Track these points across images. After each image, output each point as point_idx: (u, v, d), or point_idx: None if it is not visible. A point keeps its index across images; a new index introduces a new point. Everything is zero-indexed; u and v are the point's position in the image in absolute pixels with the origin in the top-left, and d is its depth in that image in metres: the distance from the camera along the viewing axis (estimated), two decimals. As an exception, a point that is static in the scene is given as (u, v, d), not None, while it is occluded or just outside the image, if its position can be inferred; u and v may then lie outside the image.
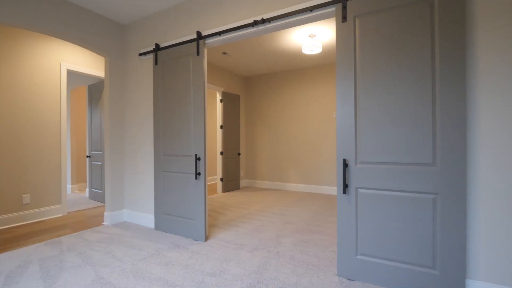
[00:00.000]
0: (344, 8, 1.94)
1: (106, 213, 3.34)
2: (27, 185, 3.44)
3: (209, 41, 2.73)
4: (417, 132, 1.73)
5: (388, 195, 1.81)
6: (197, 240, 2.75)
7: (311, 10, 2.13)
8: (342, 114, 1.96)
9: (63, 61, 3.82)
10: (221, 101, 5.39)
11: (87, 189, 4.89)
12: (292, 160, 5.61)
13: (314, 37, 3.95)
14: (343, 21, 1.94)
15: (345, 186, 1.91)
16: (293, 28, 3.60)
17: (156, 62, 3.09)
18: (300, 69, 5.55)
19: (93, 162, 4.66)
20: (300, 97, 5.54)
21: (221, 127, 5.36)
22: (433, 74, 1.69)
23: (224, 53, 4.66)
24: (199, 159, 2.74)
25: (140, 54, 3.22)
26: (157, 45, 3.07)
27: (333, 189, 5.14)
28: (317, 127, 5.32)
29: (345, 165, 1.92)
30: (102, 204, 4.43)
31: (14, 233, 3.01)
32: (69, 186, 5.50)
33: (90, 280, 1.96)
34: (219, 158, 5.41)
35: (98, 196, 4.58)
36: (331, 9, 2.07)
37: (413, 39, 1.74)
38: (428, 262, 1.70)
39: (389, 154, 1.81)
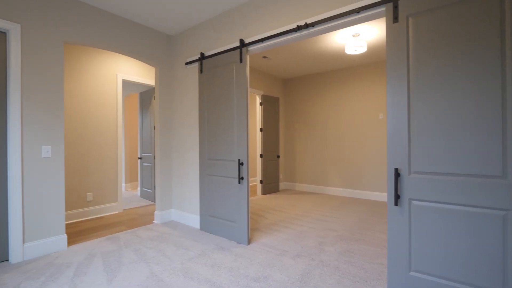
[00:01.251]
0: (396, 7, 1.83)
1: (156, 212, 3.60)
2: (91, 184, 3.86)
3: (251, 48, 2.78)
4: (482, 139, 1.56)
5: (447, 208, 1.66)
6: (240, 243, 2.82)
7: (358, 12, 2.04)
8: (394, 119, 1.84)
9: (119, 72, 4.20)
10: (260, 104, 5.44)
11: (138, 188, 5.32)
12: (333, 163, 5.43)
13: (358, 36, 3.78)
14: (394, 22, 1.83)
15: (397, 197, 1.80)
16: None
17: (201, 70, 3.24)
18: (342, 69, 5.35)
19: (144, 164, 5.04)
20: (341, 98, 5.35)
21: (261, 129, 5.42)
22: (503, 74, 1.50)
23: (264, 57, 4.69)
24: (242, 164, 2.80)
25: (187, 63, 3.40)
26: (202, 54, 3.21)
27: (378, 195, 4.86)
28: (360, 128, 5.09)
29: (397, 174, 1.80)
30: (152, 202, 4.77)
31: (80, 227, 3.39)
32: (123, 185, 6.03)
33: (145, 276, 2.12)
34: (258, 160, 5.47)
35: (148, 195, 4.95)
36: (381, 9, 1.96)
37: (477, 37, 1.57)
38: (497, 286, 1.52)
39: (448, 164, 1.66)
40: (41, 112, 2.56)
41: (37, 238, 2.52)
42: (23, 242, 2.44)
